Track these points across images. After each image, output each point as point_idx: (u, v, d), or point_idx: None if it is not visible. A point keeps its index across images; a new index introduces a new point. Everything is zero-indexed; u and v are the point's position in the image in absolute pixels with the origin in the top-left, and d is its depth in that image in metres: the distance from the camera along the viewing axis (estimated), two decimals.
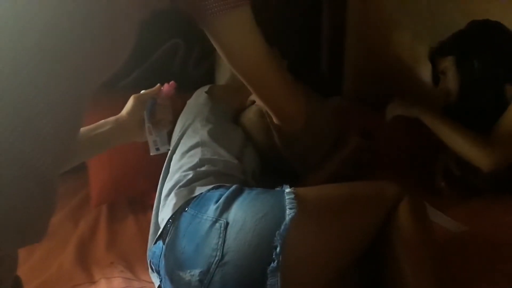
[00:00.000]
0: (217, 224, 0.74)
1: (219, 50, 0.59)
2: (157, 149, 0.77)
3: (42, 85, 0.39)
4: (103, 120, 0.75)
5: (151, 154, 0.78)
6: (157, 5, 0.52)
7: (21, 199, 0.39)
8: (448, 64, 1.14)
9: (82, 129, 0.71)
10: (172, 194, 0.87)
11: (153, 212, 0.94)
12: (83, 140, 0.71)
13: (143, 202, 1.18)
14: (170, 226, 0.81)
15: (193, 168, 0.90)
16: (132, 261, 1.01)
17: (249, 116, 1.11)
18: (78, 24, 0.41)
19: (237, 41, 0.57)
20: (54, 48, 0.40)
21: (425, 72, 1.48)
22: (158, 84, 0.80)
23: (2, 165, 0.37)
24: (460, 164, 1.17)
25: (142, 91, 0.79)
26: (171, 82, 0.80)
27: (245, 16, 0.55)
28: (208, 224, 0.75)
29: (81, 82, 0.43)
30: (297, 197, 0.75)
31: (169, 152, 1.01)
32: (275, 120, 0.70)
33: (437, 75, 1.22)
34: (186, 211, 0.80)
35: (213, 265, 0.71)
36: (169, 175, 0.95)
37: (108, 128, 0.74)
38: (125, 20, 0.46)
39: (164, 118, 0.79)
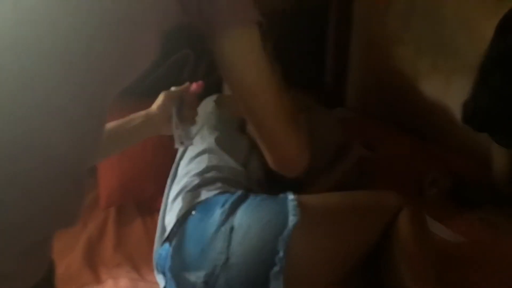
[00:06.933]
0: (223, 228, 0.76)
1: (221, 68, 0.55)
2: (182, 143, 0.80)
3: (83, 95, 0.43)
4: (132, 115, 0.80)
5: (175, 146, 0.81)
6: (177, 18, 0.52)
7: (58, 193, 0.44)
8: None
9: (114, 124, 0.76)
10: (179, 198, 0.89)
11: (160, 215, 0.96)
12: (114, 135, 0.75)
13: (150, 206, 1.19)
14: (176, 229, 0.84)
15: (200, 173, 0.93)
16: (138, 262, 1.03)
17: None
18: (94, 35, 0.43)
19: (238, 60, 0.54)
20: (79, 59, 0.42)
21: (427, 86, 1.51)
22: (187, 83, 0.84)
23: (44, 164, 0.41)
24: (450, 176, 1.19)
25: (172, 88, 0.83)
26: (199, 82, 0.83)
27: (251, 36, 0.54)
28: (214, 227, 0.77)
29: (106, 87, 0.46)
30: (300, 204, 0.77)
31: (177, 158, 1.05)
32: (270, 164, 0.60)
33: None
34: (193, 214, 0.83)
35: (218, 268, 0.73)
36: (176, 179, 0.98)
37: (140, 121, 0.79)
38: (143, 31, 0.48)
39: (190, 114, 0.82)
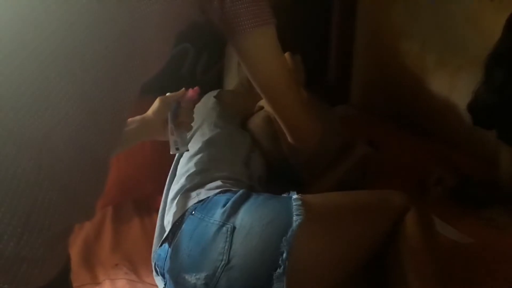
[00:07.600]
0: (224, 228, 0.74)
1: (243, 64, 0.64)
2: (177, 149, 0.80)
3: (106, 88, 0.48)
4: (130, 119, 0.79)
5: (171, 153, 0.82)
6: (192, 18, 0.58)
7: (77, 177, 0.48)
8: None
9: None
10: (179, 198, 0.88)
11: (159, 215, 0.95)
12: None
13: (148, 205, 1.18)
14: (176, 229, 0.81)
15: (200, 172, 0.91)
16: (136, 263, 1.01)
17: (257, 122, 1.12)
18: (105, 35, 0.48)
19: (262, 56, 0.63)
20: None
21: (432, 83, 1.49)
22: (183, 88, 0.84)
23: (69, 149, 0.46)
24: (455, 175, 1.18)
25: (168, 94, 0.83)
26: (195, 88, 0.84)
27: (271, 34, 0.62)
28: (215, 228, 0.75)
29: (127, 85, 0.52)
30: (304, 204, 0.75)
31: (177, 155, 1.02)
32: (289, 139, 0.72)
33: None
34: (193, 214, 0.81)
35: (219, 269, 0.72)
36: (176, 178, 0.96)
37: (135, 126, 0.79)
38: (155, 30, 0.52)
39: (186, 120, 0.82)
